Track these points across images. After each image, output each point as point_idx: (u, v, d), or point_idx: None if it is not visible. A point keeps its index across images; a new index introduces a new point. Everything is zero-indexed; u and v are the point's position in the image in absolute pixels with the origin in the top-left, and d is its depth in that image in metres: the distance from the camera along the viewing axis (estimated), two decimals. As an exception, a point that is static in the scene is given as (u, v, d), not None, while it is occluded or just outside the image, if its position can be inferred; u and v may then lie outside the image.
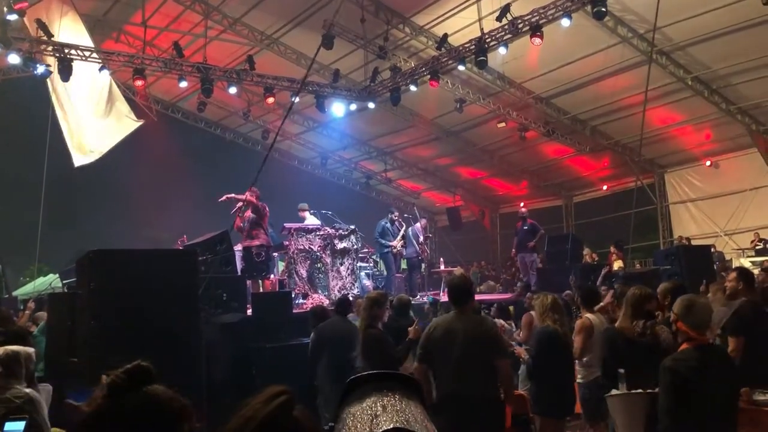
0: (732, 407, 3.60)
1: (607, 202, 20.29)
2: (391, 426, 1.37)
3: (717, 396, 3.49)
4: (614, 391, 4.15)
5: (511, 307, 10.15)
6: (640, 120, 14.32)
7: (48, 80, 14.26)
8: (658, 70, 14.21)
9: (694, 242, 16.26)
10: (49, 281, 17.04)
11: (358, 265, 12.88)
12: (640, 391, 3.97)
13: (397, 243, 13.19)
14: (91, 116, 14.97)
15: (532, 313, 7.17)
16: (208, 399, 5.58)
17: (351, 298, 9.92)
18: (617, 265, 15.24)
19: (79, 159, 14.81)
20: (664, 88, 14.99)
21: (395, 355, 5.83)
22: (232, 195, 11.35)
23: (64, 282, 13.84)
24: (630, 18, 13.44)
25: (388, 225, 13.28)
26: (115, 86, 15.45)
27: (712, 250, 13.89)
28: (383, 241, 13.16)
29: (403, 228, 13.48)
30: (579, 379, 5.59)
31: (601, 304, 6.45)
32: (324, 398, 6.36)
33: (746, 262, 14.29)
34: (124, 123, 15.46)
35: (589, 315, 5.92)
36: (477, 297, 8.00)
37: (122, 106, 15.64)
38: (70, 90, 14.06)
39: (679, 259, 10.36)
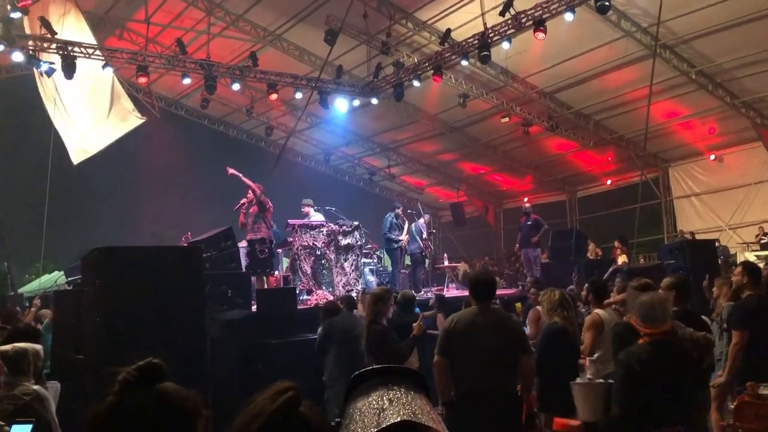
0: (684, 398, 3.73)
1: (611, 197, 20.26)
2: (399, 419, 1.39)
3: (667, 388, 3.64)
4: (578, 380, 4.40)
5: (518, 303, 10.14)
6: (643, 114, 14.29)
7: (37, 79, 14.27)
8: (662, 64, 14.16)
9: (698, 237, 16.25)
10: (55, 279, 17.09)
11: (362, 261, 12.88)
12: (600, 381, 4.25)
13: (404, 238, 13.23)
14: (92, 115, 14.97)
15: (539, 308, 7.17)
16: (213, 395, 5.59)
17: (355, 295, 9.95)
18: (621, 259, 15.24)
19: (77, 156, 14.82)
20: (668, 82, 14.95)
21: (399, 351, 5.83)
22: (239, 174, 11.30)
23: (69, 279, 13.88)
24: (633, 12, 13.40)
25: (395, 220, 13.31)
26: (118, 83, 15.45)
27: (717, 244, 13.86)
28: (392, 236, 13.18)
29: (406, 223, 13.50)
30: (589, 376, 5.56)
31: (610, 300, 6.43)
32: (333, 393, 6.38)
33: (751, 256, 14.26)
34: (127, 120, 15.47)
35: (599, 310, 5.89)
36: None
37: (126, 103, 15.64)
38: (67, 88, 14.03)
39: (684, 254, 10.35)
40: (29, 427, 2.38)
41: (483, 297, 4.83)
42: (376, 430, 1.39)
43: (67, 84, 13.72)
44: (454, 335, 4.68)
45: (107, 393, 1.36)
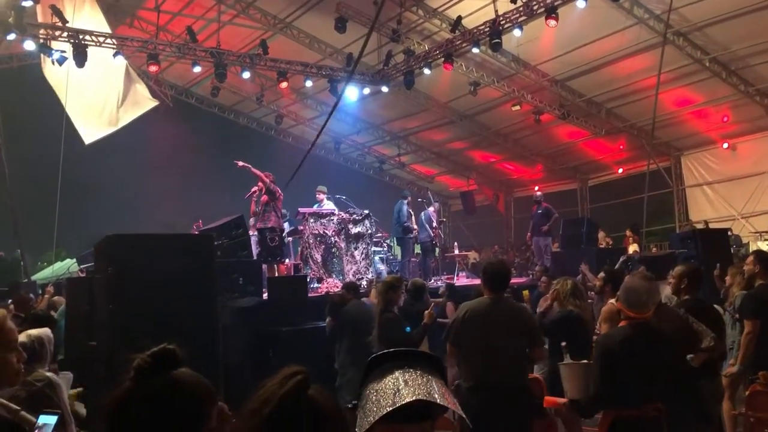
0: (660, 379, 3.82)
1: (622, 186, 20.13)
2: (413, 398, 1.44)
3: (644, 369, 3.74)
4: (565, 361, 4.54)
5: (526, 291, 10.10)
6: (657, 102, 14.20)
7: (42, 62, 14.36)
8: (675, 52, 14.03)
9: (711, 226, 16.14)
10: (67, 266, 17.22)
11: (372, 249, 12.91)
12: (585, 361, 4.35)
13: (415, 226, 13.29)
14: (104, 98, 15.07)
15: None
16: (225, 382, 5.63)
17: (365, 283, 9.97)
18: (632, 248, 15.18)
19: (89, 136, 14.93)
20: (680, 70, 14.80)
21: (411, 339, 5.85)
22: (249, 166, 11.37)
23: (81, 266, 13.99)
24: (646, -2, 13.27)
25: (407, 208, 13.37)
26: (132, 71, 15.51)
27: (729, 233, 13.76)
28: (410, 224, 13.25)
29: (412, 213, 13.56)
30: None
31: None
32: (345, 380, 6.41)
33: (764, 246, 14.15)
34: (140, 104, 15.57)
35: (614, 300, 5.86)
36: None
37: (142, 88, 15.75)
38: (79, 72, 14.11)
39: (696, 243, 10.28)
40: (55, 417, 2.40)
41: (497, 287, 4.80)
42: (391, 408, 1.41)
43: (83, 72, 13.80)
44: (465, 325, 4.66)
45: (122, 379, 1.36)
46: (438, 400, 1.47)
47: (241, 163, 11.41)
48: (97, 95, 15.13)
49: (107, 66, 14.65)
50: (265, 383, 1.35)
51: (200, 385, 1.40)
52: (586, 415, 4.24)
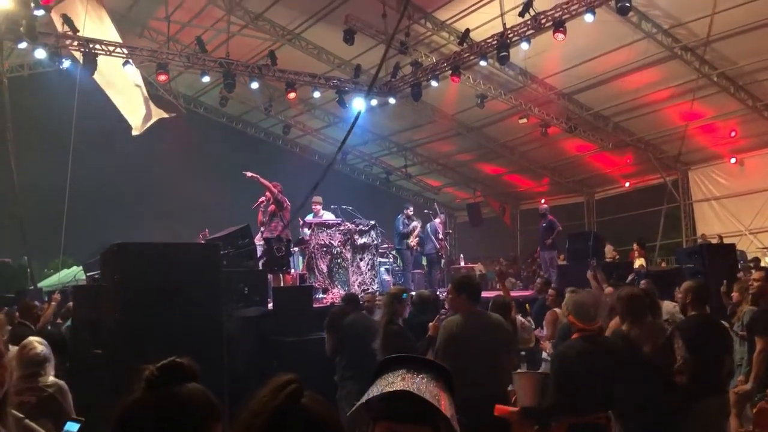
0: (611, 389, 4.08)
1: (629, 199, 20.09)
2: (401, 389, 1.45)
3: (595, 379, 3.99)
4: (519, 370, 4.81)
5: (527, 304, 10.07)
6: (663, 116, 14.21)
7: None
8: (683, 66, 14.03)
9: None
10: (74, 273, 17.27)
11: (378, 260, 12.90)
12: (538, 371, 4.78)
13: (412, 239, 13.27)
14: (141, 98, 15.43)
15: (557, 310, 7.12)
16: (229, 392, 5.62)
17: (370, 295, 9.94)
18: (638, 263, 15.10)
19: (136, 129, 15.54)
20: (688, 85, 14.79)
21: (416, 351, 5.82)
22: (258, 176, 11.45)
23: (88, 274, 14.02)
24: (654, 13, 13.27)
25: (406, 220, 13.36)
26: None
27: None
28: (404, 231, 13.28)
29: (414, 224, 13.53)
30: None
31: None
32: (345, 393, 6.38)
33: (772, 261, 14.11)
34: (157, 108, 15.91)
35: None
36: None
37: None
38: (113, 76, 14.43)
39: (703, 258, 10.23)
40: (78, 425, 2.42)
41: (477, 300, 4.93)
42: (378, 393, 1.45)
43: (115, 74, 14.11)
44: (451, 341, 4.73)
45: (130, 388, 1.37)
46: (426, 397, 1.46)
47: (249, 174, 11.50)
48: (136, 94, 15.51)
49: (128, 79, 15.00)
50: (257, 394, 1.33)
51: (206, 402, 1.39)
52: (540, 423, 4.31)
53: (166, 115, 15.96)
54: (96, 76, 14.02)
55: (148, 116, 15.67)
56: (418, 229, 13.63)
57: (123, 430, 1.34)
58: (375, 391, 1.48)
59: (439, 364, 1.61)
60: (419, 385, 1.48)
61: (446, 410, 1.48)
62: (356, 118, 12.08)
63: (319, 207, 12.93)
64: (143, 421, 1.32)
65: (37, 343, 3.78)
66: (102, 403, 4.80)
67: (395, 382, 1.49)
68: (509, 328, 5.26)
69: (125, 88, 15.34)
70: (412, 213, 13.69)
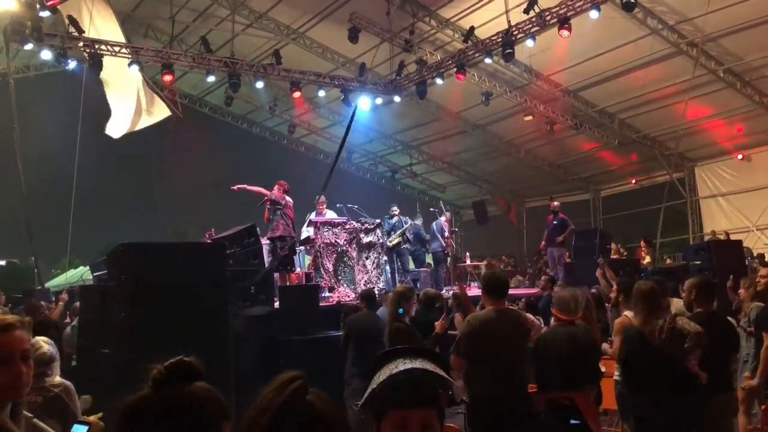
0: (577, 370, 4.58)
1: (635, 196, 20.04)
2: (409, 366, 1.55)
3: (562, 361, 4.57)
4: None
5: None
6: (669, 113, 14.15)
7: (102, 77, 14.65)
8: (689, 62, 13.98)
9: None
10: (80, 273, 17.33)
11: (383, 259, 12.89)
12: None
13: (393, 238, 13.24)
14: (131, 102, 15.33)
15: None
16: (235, 391, 5.63)
17: (377, 293, 9.93)
18: (647, 260, 15.07)
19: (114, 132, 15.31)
20: (694, 81, 14.73)
21: (422, 349, 5.82)
22: (245, 186, 11.53)
23: (94, 274, 14.06)
24: (660, 9, 13.23)
25: (390, 220, 13.39)
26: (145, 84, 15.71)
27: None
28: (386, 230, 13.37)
29: (400, 222, 13.55)
30: (616, 376, 5.50)
31: None
32: (351, 390, 6.39)
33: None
34: (158, 109, 15.80)
35: (628, 313, 5.81)
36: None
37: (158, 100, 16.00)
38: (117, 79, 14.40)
39: (710, 254, 10.19)
40: (86, 428, 2.42)
41: (500, 297, 4.86)
42: (388, 376, 1.54)
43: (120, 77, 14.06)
44: (473, 338, 4.68)
45: (137, 387, 1.36)
46: (435, 371, 1.56)
47: (237, 187, 11.60)
48: (127, 100, 15.41)
49: (131, 80, 14.92)
50: (262, 391, 1.33)
51: (213, 401, 1.39)
52: None
53: (167, 114, 15.89)
54: (103, 75, 14.03)
55: (134, 124, 15.49)
56: (406, 227, 13.59)
57: (129, 428, 1.34)
58: (381, 377, 1.55)
59: (433, 351, 1.73)
60: (424, 364, 1.58)
61: (450, 383, 1.60)
62: (353, 115, 12.03)
63: (323, 207, 12.93)
64: (150, 419, 1.32)
65: (44, 343, 3.79)
66: (108, 403, 4.82)
67: (397, 366, 1.56)
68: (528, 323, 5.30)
69: (124, 93, 15.22)
70: (395, 212, 13.67)
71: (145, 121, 15.61)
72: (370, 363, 1.69)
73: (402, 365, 1.56)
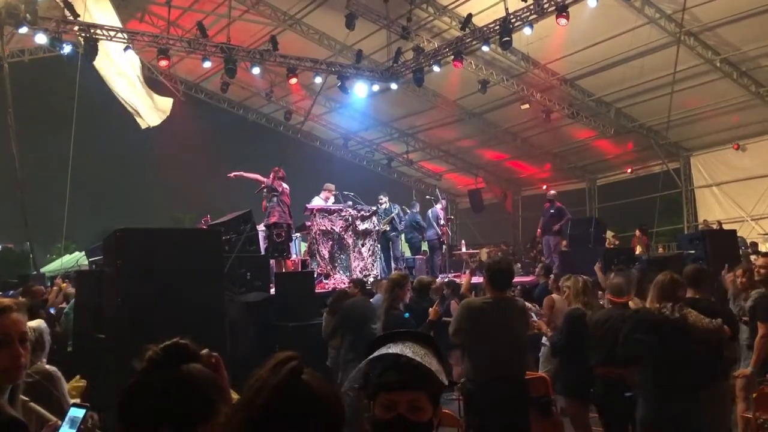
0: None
1: (631, 185, 20.09)
2: (398, 351, 1.59)
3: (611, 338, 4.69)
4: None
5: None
6: (666, 102, 14.13)
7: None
8: (686, 52, 13.96)
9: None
10: (76, 259, 17.32)
11: (379, 246, 12.93)
12: None
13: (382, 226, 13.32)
14: (136, 91, 15.27)
15: (555, 296, 7.16)
16: (231, 377, 5.65)
17: (371, 280, 9.97)
18: (640, 249, 15.13)
19: (142, 123, 15.30)
20: (691, 70, 14.73)
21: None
22: (242, 173, 11.53)
23: (90, 260, 14.07)
24: (658, -2, 13.21)
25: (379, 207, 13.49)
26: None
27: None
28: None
29: (389, 209, 13.63)
30: None
31: None
32: (345, 376, 6.41)
33: (773, 247, 14.12)
34: (163, 101, 15.75)
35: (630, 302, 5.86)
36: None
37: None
38: (115, 66, 14.31)
39: (704, 244, 10.25)
40: (83, 411, 2.45)
41: (501, 287, 4.87)
42: (375, 355, 1.61)
43: (117, 63, 13.97)
44: (470, 322, 4.73)
45: (134, 369, 1.38)
46: (420, 360, 1.57)
47: (233, 174, 11.67)
48: (131, 92, 15.36)
49: (130, 66, 14.85)
50: (257, 371, 1.33)
51: (209, 381, 1.41)
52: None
53: (169, 104, 15.86)
54: (101, 67, 13.92)
55: (152, 109, 15.51)
56: (392, 215, 13.64)
57: (129, 411, 1.35)
58: (365, 361, 1.62)
59: (424, 334, 1.74)
60: (413, 350, 1.60)
61: (439, 371, 1.61)
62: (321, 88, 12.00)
63: (329, 194, 12.94)
64: (149, 401, 1.33)
65: (30, 333, 3.78)
66: (105, 387, 4.84)
67: (390, 348, 1.62)
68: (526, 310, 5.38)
69: (131, 82, 15.19)
70: (382, 200, 13.73)
71: (159, 114, 15.62)
72: (365, 348, 1.71)
73: (387, 350, 1.61)
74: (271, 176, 11.42)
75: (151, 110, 15.53)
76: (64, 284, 9.82)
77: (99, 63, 13.91)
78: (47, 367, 3.81)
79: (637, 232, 16.34)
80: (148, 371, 1.37)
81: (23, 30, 13.07)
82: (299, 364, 1.32)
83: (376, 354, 1.60)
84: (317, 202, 12.70)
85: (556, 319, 6.33)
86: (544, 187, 21.30)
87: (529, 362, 5.06)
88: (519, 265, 18.56)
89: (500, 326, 4.67)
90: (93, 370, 5.39)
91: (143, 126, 15.54)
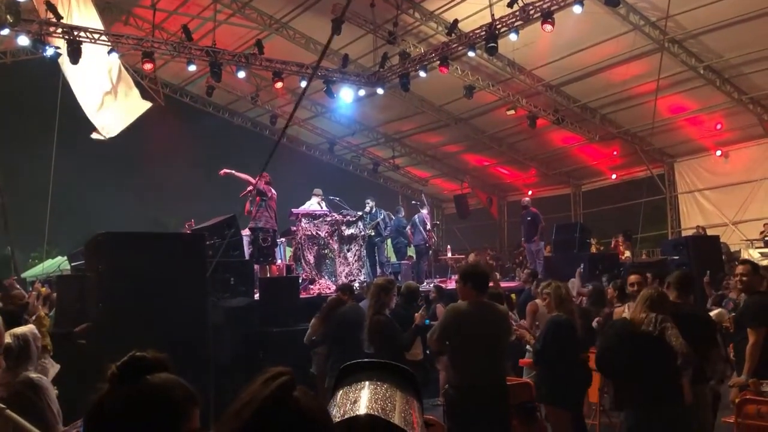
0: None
1: (615, 191, 20.21)
2: (364, 412, 1.39)
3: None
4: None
5: (513, 294, 10.08)
6: (650, 109, 14.24)
7: (60, 62, 14.26)
8: (670, 59, 14.07)
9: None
10: (58, 263, 17.14)
11: (365, 251, 12.89)
12: None
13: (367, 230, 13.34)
14: (103, 97, 14.96)
15: (537, 301, 7.17)
16: (215, 383, 5.60)
17: (357, 286, 9.93)
18: (626, 254, 15.22)
19: (96, 134, 14.93)
20: (675, 77, 14.86)
21: (402, 342, 5.83)
22: (232, 171, 11.50)
23: (72, 264, 13.92)
24: (642, 5, 13.29)
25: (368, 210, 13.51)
26: (124, 70, 15.42)
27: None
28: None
29: (376, 214, 13.65)
30: None
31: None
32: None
33: (755, 253, 14.24)
34: (136, 104, 15.46)
35: (620, 309, 5.89)
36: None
37: (133, 89, 15.65)
38: (82, 71, 14.01)
39: (688, 250, 10.32)
40: None
41: (482, 290, 4.88)
42: (340, 419, 1.38)
43: (84, 68, 13.70)
44: (453, 327, 4.73)
45: (99, 388, 1.36)
46: (392, 420, 1.38)
47: (223, 171, 11.66)
48: (100, 95, 15.04)
49: (101, 69, 14.57)
50: (249, 384, 1.30)
51: (174, 388, 1.37)
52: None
53: (146, 106, 15.65)
54: (67, 67, 13.67)
55: (118, 119, 15.14)
56: (378, 220, 13.66)
57: (93, 428, 1.33)
58: (337, 414, 1.40)
59: (403, 368, 1.53)
60: (385, 403, 1.41)
61: (411, 427, 1.41)
62: (304, 90, 11.98)
63: (318, 198, 12.94)
64: (112, 417, 1.31)
65: (10, 336, 3.71)
66: (86, 394, 4.76)
67: (358, 400, 1.42)
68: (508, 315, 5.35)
69: (93, 86, 14.86)
70: (369, 204, 13.74)
71: (128, 118, 15.31)
72: (359, 355, 1.65)
73: (364, 402, 1.41)
74: (260, 180, 11.35)
75: (119, 113, 15.16)
76: (44, 289, 9.70)
77: (66, 66, 13.68)
78: (33, 376, 3.73)
79: (620, 238, 16.43)
80: (109, 389, 1.34)
81: (5, 32, 12.94)
82: (291, 379, 1.28)
83: (342, 419, 1.44)
84: (313, 206, 12.69)
85: (541, 324, 6.33)
86: (530, 192, 21.39)
87: (507, 368, 5.00)
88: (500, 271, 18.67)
89: (483, 331, 4.67)
90: (74, 376, 5.31)
91: (95, 137, 15.07)
